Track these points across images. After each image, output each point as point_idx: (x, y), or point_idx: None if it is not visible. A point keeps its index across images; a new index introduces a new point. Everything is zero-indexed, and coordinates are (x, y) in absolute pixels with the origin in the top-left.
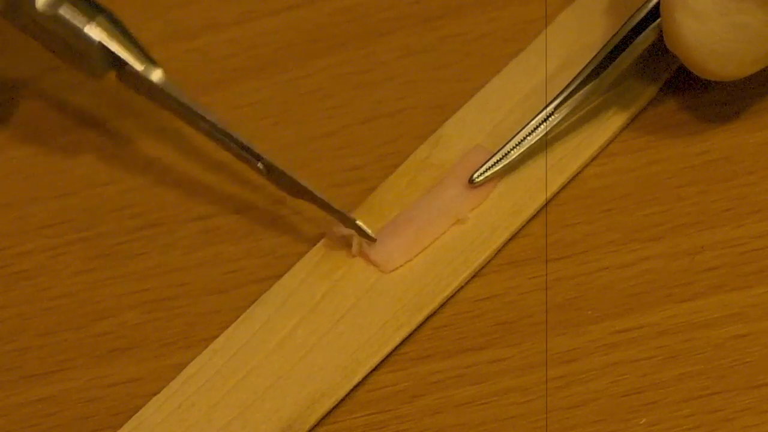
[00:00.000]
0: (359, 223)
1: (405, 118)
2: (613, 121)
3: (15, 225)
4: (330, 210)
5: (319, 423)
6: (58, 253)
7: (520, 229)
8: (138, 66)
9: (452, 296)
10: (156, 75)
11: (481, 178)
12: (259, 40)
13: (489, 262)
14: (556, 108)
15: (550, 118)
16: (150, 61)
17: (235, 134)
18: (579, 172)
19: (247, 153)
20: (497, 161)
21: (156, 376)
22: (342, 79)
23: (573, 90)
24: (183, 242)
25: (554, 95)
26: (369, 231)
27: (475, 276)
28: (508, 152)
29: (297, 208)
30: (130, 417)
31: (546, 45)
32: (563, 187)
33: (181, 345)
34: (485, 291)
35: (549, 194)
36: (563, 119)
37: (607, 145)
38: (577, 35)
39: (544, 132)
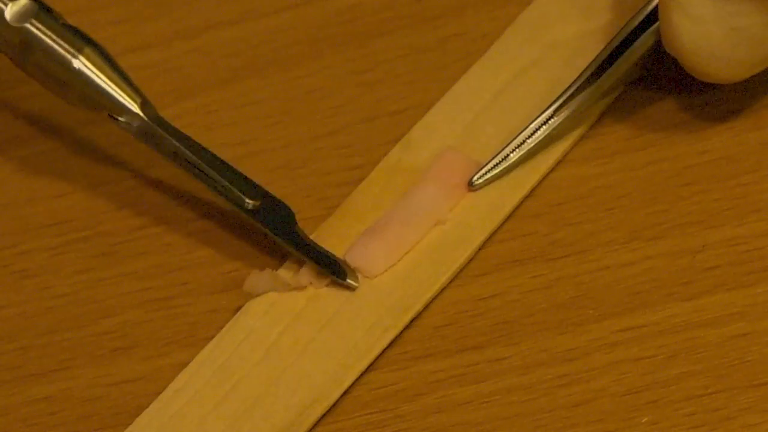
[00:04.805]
0: (347, 266)
1: (405, 117)
2: (585, 119)
3: (16, 224)
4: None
5: (316, 424)
6: (59, 252)
7: (498, 228)
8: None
9: (445, 295)
10: (137, 119)
11: (481, 181)
12: (259, 39)
13: (474, 261)
14: (555, 111)
15: (549, 121)
16: (135, 96)
17: (224, 177)
18: (553, 169)
19: (234, 194)
20: (497, 164)
21: (157, 375)
22: (343, 78)
23: (572, 93)
24: (183, 242)
25: (521, 95)
26: (354, 280)
27: (477, 275)
28: (507, 155)
29: (297, 207)
30: (131, 416)
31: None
32: (538, 184)
33: (182, 344)
34: (487, 290)
35: (525, 191)
36: (562, 122)
37: (580, 139)
38: (541, 32)
39: (544, 135)
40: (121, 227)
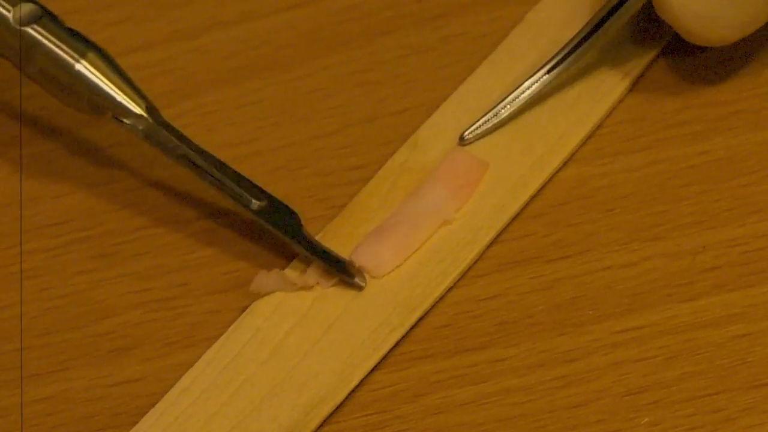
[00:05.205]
0: (353, 266)
1: (406, 117)
2: (589, 118)
3: (16, 225)
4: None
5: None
6: (59, 252)
7: (505, 228)
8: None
9: (445, 296)
10: (143, 122)
11: (471, 136)
12: (260, 39)
13: (476, 262)
14: (548, 71)
15: (541, 80)
16: (139, 100)
17: (229, 179)
18: (559, 169)
19: (241, 195)
20: (488, 120)
21: (158, 375)
22: (343, 78)
23: (565, 54)
24: (183, 242)
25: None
26: (361, 280)
27: (477, 276)
28: (499, 111)
29: (297, 208)
30: (131, 417)
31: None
32: (545, 184)
33: (182, 345)
34: (487, 291)
35: (531, 191)
36: (553, 80)
37: (586, 140)
38: (548, 32)
39: (534, 92)
40: (122, 227)
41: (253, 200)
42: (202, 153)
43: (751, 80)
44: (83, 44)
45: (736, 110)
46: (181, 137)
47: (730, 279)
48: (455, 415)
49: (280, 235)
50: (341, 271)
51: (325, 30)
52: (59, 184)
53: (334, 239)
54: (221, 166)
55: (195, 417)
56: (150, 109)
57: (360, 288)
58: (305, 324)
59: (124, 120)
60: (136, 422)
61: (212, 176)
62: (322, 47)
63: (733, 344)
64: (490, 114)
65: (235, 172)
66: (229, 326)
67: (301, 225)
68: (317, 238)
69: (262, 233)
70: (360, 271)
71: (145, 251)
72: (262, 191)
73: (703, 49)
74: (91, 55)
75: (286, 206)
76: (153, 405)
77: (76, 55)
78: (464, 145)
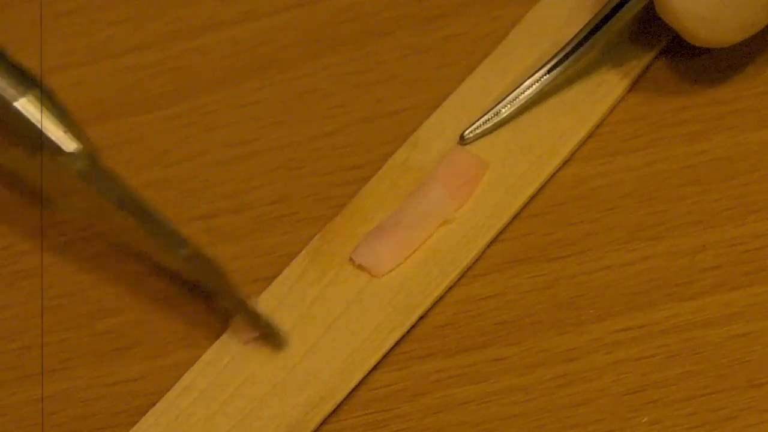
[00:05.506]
0: (271, 323)
1: (405, 117)
2: (589, 118)
3: (15, 225)
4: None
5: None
6: (58, 252)
7: (505, 227)
8: (64, 147)
9: (445, 296)
10: (80, 161)
11: (472, 135)
12: (259, 39)
13: (476, 261)
14: (548, 71)
15: (541, 79)
16: (79, 140)
17: (165, 221)
18: (559, 169)
19: (172, 242)
20: (488, 119)
21: (158, 375)
22: (343, 78)
23: (565, 54)
24: None
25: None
26: (280, 332)
27: (477, 275)
28: (499, 111)
29: (297, 207)
30: (131, 416)
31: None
32: (544, 184)
33: (182, 344)
34: (486, 290)
35: (531, 191)
36: (553, 79)
37: (586, 140)
38: (548, 31)
39: (535, 91)
40: (122, 226)
41: (181, 250)
42: (137, 200)
43: (751, 80)
44: (26, 82)
45: (735, 110)
46: (119, 181)
47: (730, 278)
48: (455, 414)
49: (207, 285)
50: (262, 326)
51: (325, 30)
52: (59, 183)
53: (334, 239)
54: (156, 214)
55: (195, 416)
56: (88, 150)
57: (282, 343)
58: (305, 324)
59: (59, 158)
60: (136, 421)
61: (148, 221)
62: (322, 47)
63: (733, 343)
64: (490, 113)
65: (169, 222)
66: (230, 326)
67: (227, 278)
68: (317, 237)
69: (262, 234)
70: (280, 333)
71: (145, 251)
72: (190, 243)
73: (703, 50)
74: (32, 93)
75: (213, 260)
76: (153, 404)
77: (15, 93)
78: (464, 144)
